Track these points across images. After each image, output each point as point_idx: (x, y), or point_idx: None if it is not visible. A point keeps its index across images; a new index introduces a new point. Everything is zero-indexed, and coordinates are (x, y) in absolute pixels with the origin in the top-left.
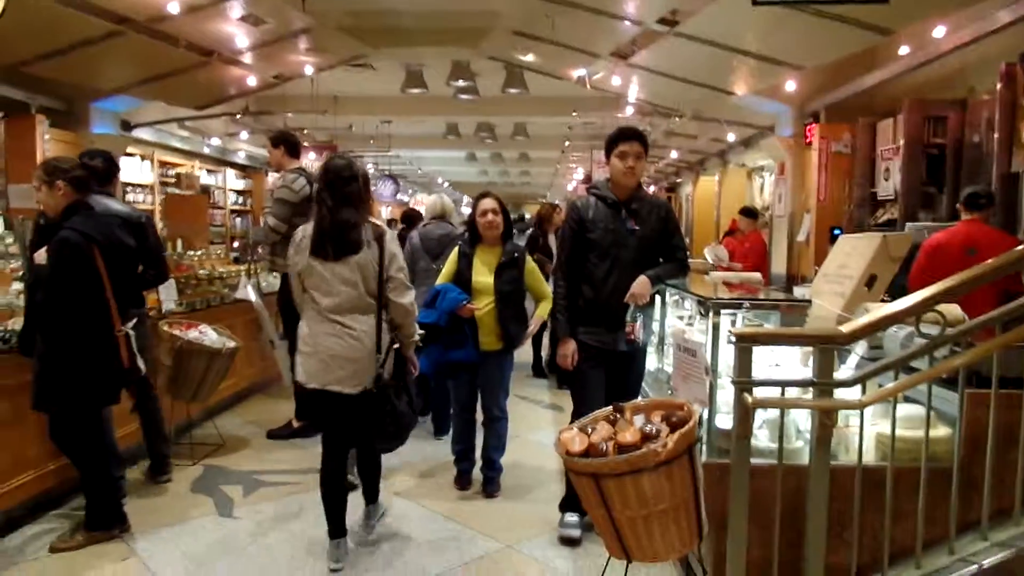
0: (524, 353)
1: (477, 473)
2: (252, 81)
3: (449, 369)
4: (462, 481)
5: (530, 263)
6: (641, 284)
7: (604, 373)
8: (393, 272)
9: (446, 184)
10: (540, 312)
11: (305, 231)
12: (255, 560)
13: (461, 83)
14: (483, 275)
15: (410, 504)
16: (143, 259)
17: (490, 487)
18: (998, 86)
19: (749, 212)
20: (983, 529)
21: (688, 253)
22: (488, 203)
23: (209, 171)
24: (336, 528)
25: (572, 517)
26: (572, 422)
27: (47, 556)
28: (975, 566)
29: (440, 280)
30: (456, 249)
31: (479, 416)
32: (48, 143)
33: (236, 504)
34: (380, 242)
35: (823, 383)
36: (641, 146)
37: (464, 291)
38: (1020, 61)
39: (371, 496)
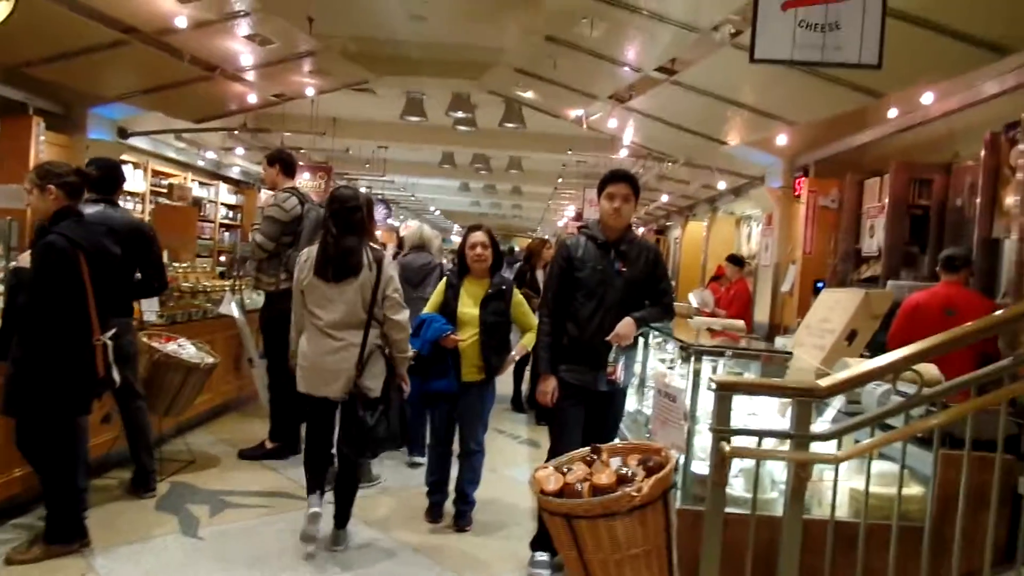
0: (504, 386)
1: (449, 506)
2: (252, 98)
3: (429, 399)
4: (433, 513)
5: (517, 295)
6: (626, 325)
7: (583, 412)
8: (389, 292)
9: (437, 212)
10: (525, 342)
11: (310, 253)
12: None
13: (460, 114)
14: (468, 306)
15: (379, 534)
16: (146, 268)
17: (462, 521)
18: (982, 153)
19: (736, 260)
20: None
21: (673, 296)
22: (478, 236)
23: (202, 184)
24: (313, 488)
25: (542, 556)
26: (548, 459)
27: (2, 568)
28: None
29: (427, 309)
30: (444, 280)
31: (455, 449)
32: (43, 145)
33: (201, 524)
34: (379, 265)
35: (800, 435)
36: (630, 188)
37: (449, 322)
38: (1004, 131)
39: (341, 520)
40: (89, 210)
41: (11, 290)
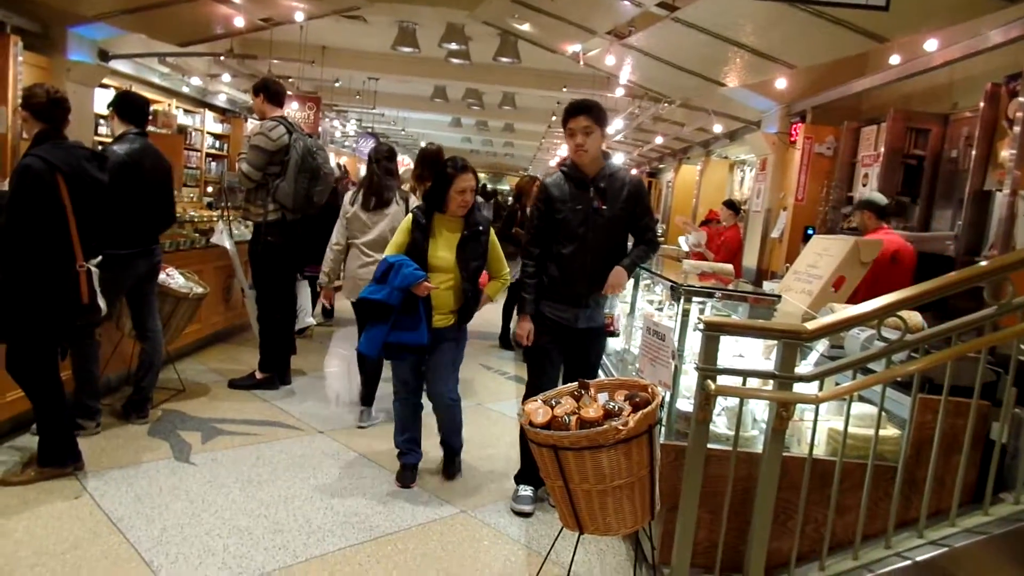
0: (491, 325)
1: (425, 463)
2: (239, 22)
3: (395, 350)
4: (405, 477)
5: (493, 237)
6: (618, 275)
7: (562, 349)
8: None
9: None
10: (490, 292)
11: (356, 193)
12: (209, 506)
13: (453, 46)
14: (443, 250)
15: (366, 462)
16: (168, 201)
17: (451, 467)
18: (981, 104)
19: (732, 205)
20: (920, 527)
21: (659, 234)
22: (470, 180)
23: (187, 111)
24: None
25: (526, 491)
26: (526, 395)
27: None
28: (909, 561)
29: (390, 250)
30: (409, 218)
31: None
32: (21, 67)
33: (193, 450)
34: (406, 202)
35: (784, 376)
36: (590, 120)
37: (420, 266)
38: (1005, 82)
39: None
40: (125, 146)
41: None
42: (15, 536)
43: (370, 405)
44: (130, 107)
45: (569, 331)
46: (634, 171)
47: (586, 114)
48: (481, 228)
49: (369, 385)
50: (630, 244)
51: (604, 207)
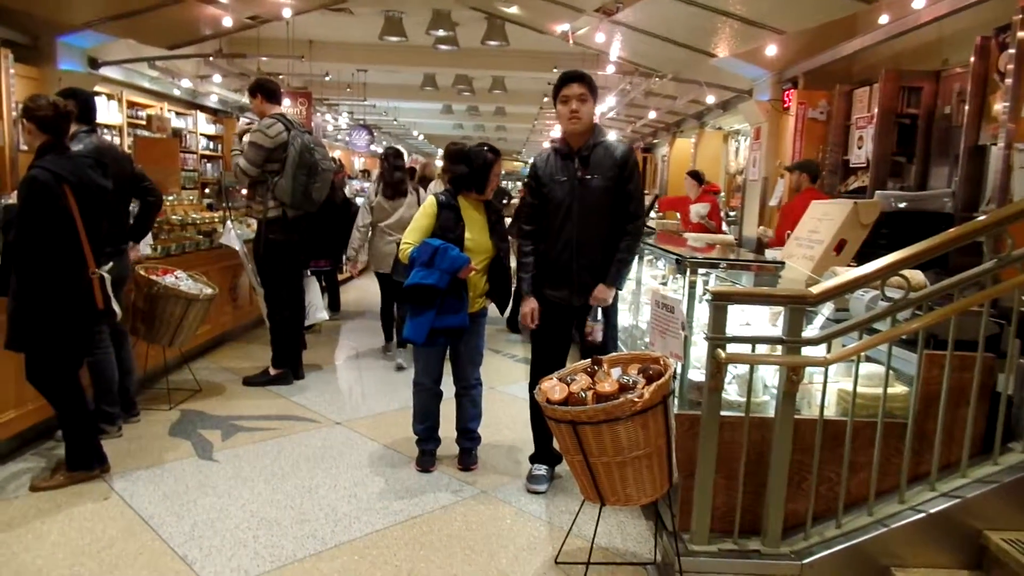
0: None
1: (443, 449)
2: (227, 22)
3: (435, 335)
4: (424, 462)
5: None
6: (603, 291)
7: (563, 328)
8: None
9: (420, 136)
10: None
11: (376, 186)
12: (236, 500)
13: (441, 33)
14: (477, 232)
15: (385, 450)
16: (134, 190)
17: (468, 459)
18: (972, 59)
19: (696, 175)
20: (932, 480)
21: (644, 207)
22: (501, 164)
23: (179, 114)
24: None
25: (539, 470)
26: (532, 377)
27: (28, 495)
28: (923, 513)
29: (415, 235)
30: (432, 201)
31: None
32: (13, 79)
33: (215, 447)
34: (417, 193)
35: (792, 340)
36: (585, 87)
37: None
38: (995, 35)
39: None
40: (79, 145)
41: (4, 227)
42: (51, 538)
43: (391, 340)
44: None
45: (567, 309)
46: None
47: (580, 81)
48: (499, 210)
49: (387, 328)
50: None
51: (588, 176)
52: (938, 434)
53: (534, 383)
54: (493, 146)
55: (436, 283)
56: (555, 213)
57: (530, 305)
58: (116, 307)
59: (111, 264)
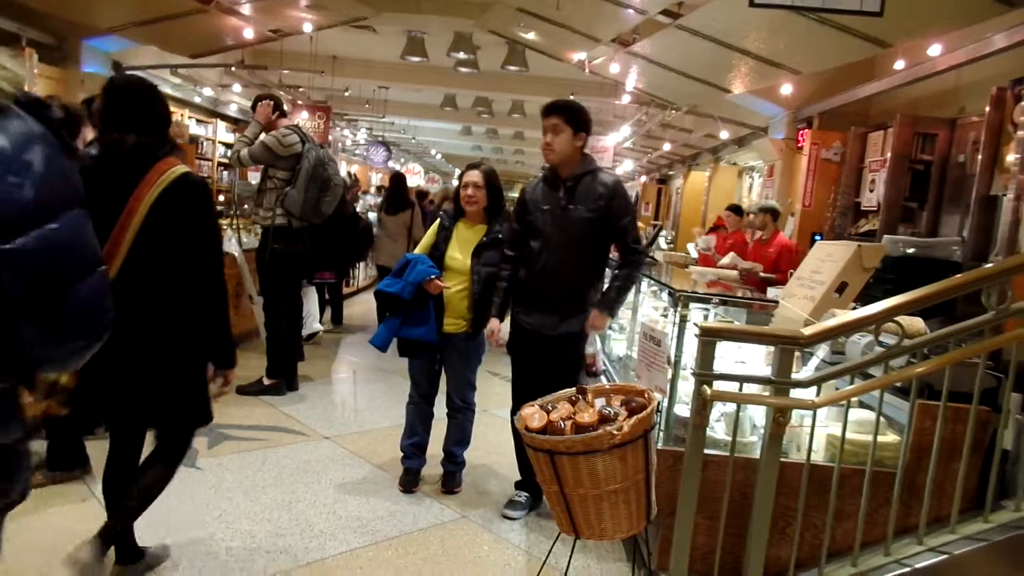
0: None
1: (428, 470)
2: (249, 33)
3: (408, 347)
4: (407, 481)
5: None
6: (596, 318)
7: (537, 355)
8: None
9: (439, 155)
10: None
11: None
12: (213, 510)
13: (462, 55)
14: (459, 252)
15: (371, 467)
16: None
17: (451, 482)
18: (987, 109)
19: (736, 209)
20: (919, 534)
21: (640, 238)
22: (472, 176)
23: (199, 121)
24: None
25: (519, 497)
26: (513, 401)
27: None
28: (908, 568)
29: (417, 251)
30: (437, 221)
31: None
32: (37, 79)
33: (199, 455)
34: (413, 207)
35: (780, 382)
36: (560, 118)
37: (436, 266)
38: (1011, 87)
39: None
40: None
41: None
42: (25, 535)
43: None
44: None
45: (540, 337)
46: (643, 178)
47: (556, 113)
48: (501, 236)
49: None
50: (615, 254)
51: (572, 207)
52: (928, 487)
53: (515, 409)
54: (482, 164)
55: (398, 292)
56: (535, 240)
57: (490, 326)
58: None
59: None
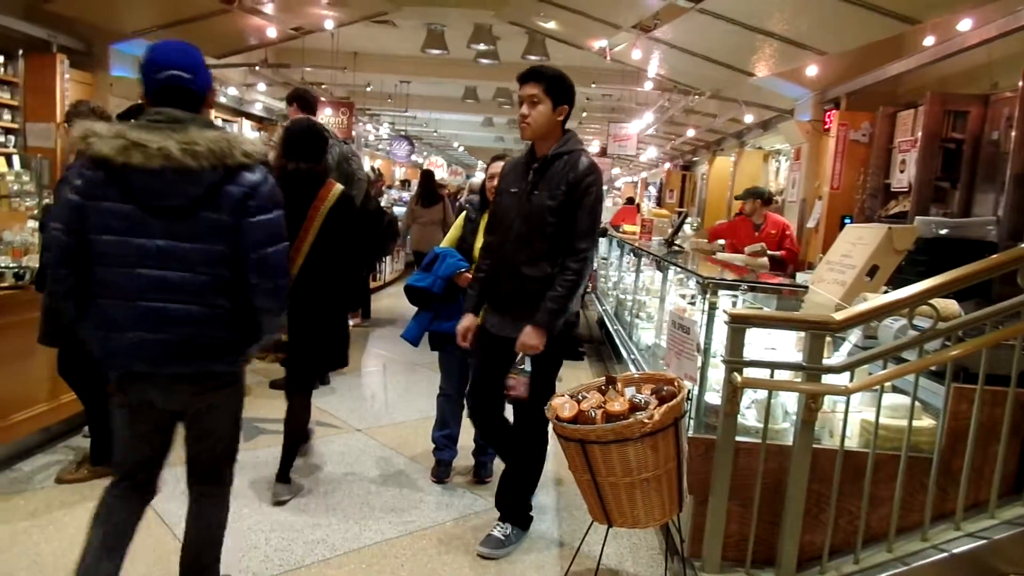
0: None
1: (459, 461)
2: (272, 32)
3: (438, 340)
4: (439, 472)
5: None
6: (529, 335)
7: (498, 355)
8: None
9: (461, 148)
10: None
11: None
12: (251, 502)
13: (482, 47)
14: None
15: (403, 459)
16: None
17: (482, 472)
18: (1020, 84)
19: (757, 193)
20: (957, 519)
21: (589, 243)
22: (497, 168)
23: (225, 120)
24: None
25: (499, 531)
26: (468, 401)
27: (53, 486)
28: (946, 554)
29: (444, 244)
30: (463, 214)
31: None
32: (68, 83)
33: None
34: (443, 200)
35: (811, 367)
36: (538, 87)
37: (465, 258)
38: None
39: None
40: None
41: (44, 226)
42: (70, 530)
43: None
44: None
45: (494, 339)
46: (667, 165)
47: (533, 81)
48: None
49: None
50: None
51: (535, 192)
52: (965, 471)
53: (471, 413)
54: (507, 156)
55: (429, 286)
56: (499, 227)
57: (463, 323)
58: None
59: None
